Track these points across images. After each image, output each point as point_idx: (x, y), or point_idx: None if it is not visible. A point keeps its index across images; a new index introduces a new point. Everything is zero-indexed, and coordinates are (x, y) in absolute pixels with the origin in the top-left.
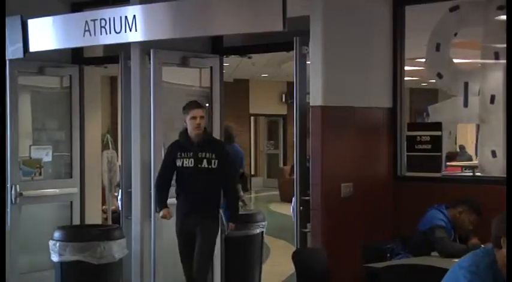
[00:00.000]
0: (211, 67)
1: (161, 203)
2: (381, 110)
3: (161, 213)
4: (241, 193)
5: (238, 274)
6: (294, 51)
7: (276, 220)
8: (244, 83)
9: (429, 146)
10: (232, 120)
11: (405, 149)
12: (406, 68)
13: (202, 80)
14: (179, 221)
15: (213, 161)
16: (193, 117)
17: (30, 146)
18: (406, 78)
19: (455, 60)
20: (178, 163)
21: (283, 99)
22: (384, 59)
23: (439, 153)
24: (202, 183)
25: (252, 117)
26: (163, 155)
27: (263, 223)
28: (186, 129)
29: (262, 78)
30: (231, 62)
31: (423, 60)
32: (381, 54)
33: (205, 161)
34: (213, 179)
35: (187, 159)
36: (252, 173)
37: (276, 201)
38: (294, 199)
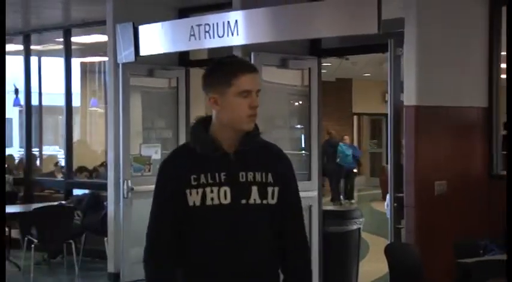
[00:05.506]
0: (309, 68)
1: None
2: (475, 109)
3: None
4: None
5: (336, 269)
6: (389, 52)
7: (376, 218)
8: (347, 82)
9: None
10: (335, 119)
11: (500, 148)
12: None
13: (303, 78)
14: None
15: (269, 189)
16: (245, 92)
17: (140, 144)
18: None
19: None
20: (193, 199)
21: (386, 98)
22: (480, 59)
23: None
24: (251, 238)
25: (355, 116)
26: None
27: (360, 219)
28: (207, 120)
29: (364, 78)
30: (333, 62)
31: None
32: (476, 54)
33: (255, 190)
34: (270, 229)
35: (216, 189)
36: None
37: (378, 199)
38: (388, 196)
